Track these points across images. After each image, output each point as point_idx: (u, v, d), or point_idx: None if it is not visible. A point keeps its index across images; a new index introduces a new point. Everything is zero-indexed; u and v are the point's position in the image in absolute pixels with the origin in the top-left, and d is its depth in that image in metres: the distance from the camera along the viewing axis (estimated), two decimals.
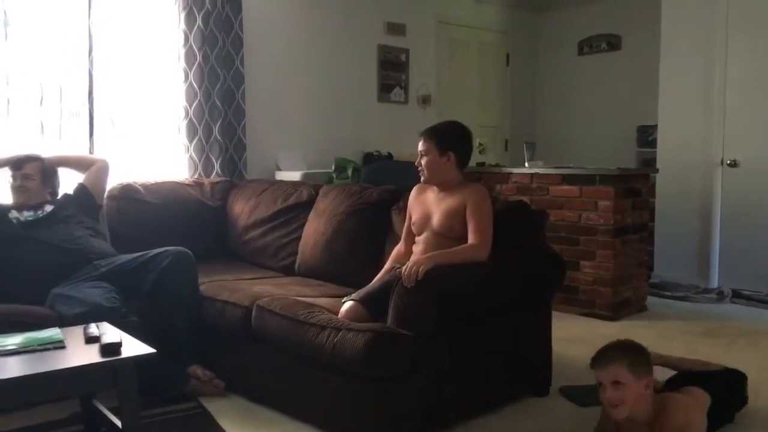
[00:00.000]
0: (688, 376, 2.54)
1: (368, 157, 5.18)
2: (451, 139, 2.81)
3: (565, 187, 4.40)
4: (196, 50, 4.25)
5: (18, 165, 3.25)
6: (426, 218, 2.81)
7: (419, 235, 2.84)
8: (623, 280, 4.32)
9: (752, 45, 4.85)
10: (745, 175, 4.92)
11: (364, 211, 3.30)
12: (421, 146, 2.81)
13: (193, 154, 4.32)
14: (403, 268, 2.45)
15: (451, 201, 2.75)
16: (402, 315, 2.37)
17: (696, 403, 2.27)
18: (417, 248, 2.80)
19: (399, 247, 2.97)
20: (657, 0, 5.31)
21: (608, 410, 2.15)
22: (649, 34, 5.59)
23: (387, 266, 2.95)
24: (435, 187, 2.85)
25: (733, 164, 4.97)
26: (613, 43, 6.45)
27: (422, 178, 2.83)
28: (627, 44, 6.34)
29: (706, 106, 5.07)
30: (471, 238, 2.65)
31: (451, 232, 2.70)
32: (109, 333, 2.21)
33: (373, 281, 2.84)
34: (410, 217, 2.91)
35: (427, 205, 2.84)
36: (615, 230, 4.22)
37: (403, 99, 5.68)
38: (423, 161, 2.80)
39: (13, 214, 3.17)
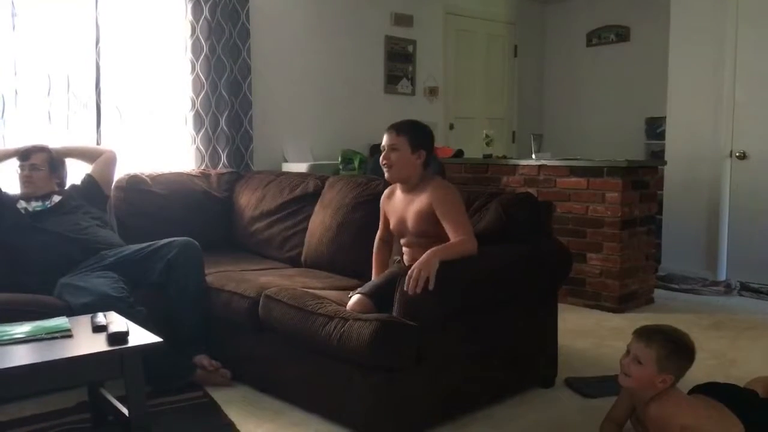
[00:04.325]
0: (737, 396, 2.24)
1: (375, 149, 5.15)
2: (422, 137, 2.77)
3: (573, 179, 4.38)
4: (202, 41, 4.26)
5: (25, 155, 3.27)
6: (402, 223, 2.78)
7: (401, 238, 2.82)
8: (630, 273, 4.30)
9: (762, 36, 4.81)
10: (754, 167, 4.89)
11: (371, 203, 3.29)
12: (390, 140, 2.72)
13: (200, 146, 4.33)
14: (409, 272, 2.37)
15: (418, 203, 2.70)
16: (408, 306, 2.36)
17: (706, 410, 2.10)
18: (406, 251, 2.79)
19: (378, 246, 2.98)
20: None
21: (620, 376, 2.18)
22: (658, 26, 5.55)
23: (375, 269, 2.95)
24: (398, 188, 2.81)
25: (742, 156, 4.93)
26: (621, 34, 6.40)
27: (386, 174, 2.77)
28: (636, 35, 6.30)
29: (716, 98, 5.03)
30: (453, 236, 2.55)
31: (427, 234, 2.66)
32: (117, 322, 2.22)
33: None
34: (386, 220, 2.90)
35: (398, 209, 2.80)
36: (622, 222, 4.20)
37: (410, 90, 5.66)
38: (392, 156, 2.71)
39: (21, 204, 3.18)
